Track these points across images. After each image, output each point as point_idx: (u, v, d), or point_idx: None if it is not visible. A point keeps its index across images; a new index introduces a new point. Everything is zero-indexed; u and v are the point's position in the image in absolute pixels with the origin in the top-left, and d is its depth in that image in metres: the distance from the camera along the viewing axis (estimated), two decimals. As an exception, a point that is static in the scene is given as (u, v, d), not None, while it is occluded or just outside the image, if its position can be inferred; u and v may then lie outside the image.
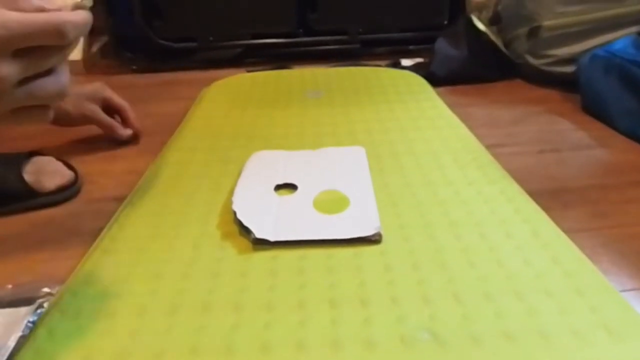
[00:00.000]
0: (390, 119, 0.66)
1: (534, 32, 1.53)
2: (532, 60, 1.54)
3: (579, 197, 0.53)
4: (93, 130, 0.68)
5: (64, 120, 0.64)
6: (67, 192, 0.53)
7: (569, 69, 1.41)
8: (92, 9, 0.33)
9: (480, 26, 1.66)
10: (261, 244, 0.40)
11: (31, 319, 0.35)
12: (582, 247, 0.40)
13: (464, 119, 0.67)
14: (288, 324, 0.32)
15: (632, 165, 0.63)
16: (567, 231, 0.42)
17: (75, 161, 0.58)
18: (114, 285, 0.36)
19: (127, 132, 0.67)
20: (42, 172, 0.53)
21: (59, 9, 0.30)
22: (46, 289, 0.44)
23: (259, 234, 0.41)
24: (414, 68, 1.21)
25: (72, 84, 0.34)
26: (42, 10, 0.29)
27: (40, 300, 0.43)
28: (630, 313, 0.33)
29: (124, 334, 0.32)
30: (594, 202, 0.52)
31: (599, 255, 0.43)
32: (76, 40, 0.30)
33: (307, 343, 0.31)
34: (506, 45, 1.64)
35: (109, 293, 0.35)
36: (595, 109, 1.19)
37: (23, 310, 0.41)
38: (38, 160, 0.55)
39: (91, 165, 0.61)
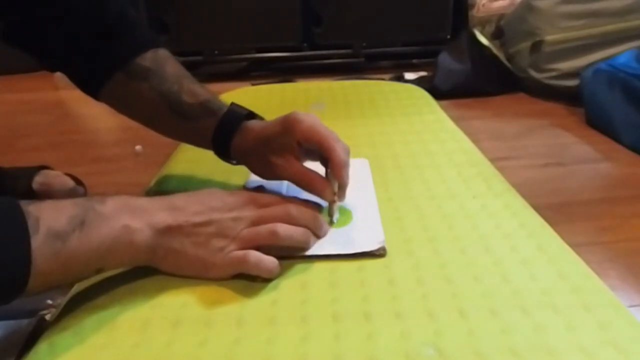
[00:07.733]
0: (394, 132, 0.66)
1: (536, 47, 1.54)
2: (535, 74, 1.54)
3: (584, 211, 0.53)
4: (98, 142, 0.68)
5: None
6: None
7: (572, 82, 1.42)
8: None
9: (483, 40, 1.67)
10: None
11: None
12: (588, 262, 0.39)
13: (468, 132, 0.67)
14: (290, 339, 0.32)
15: (638, 179, 0.62)
16: (573, 245, 0.42)
17: (80, 173, 0.59)
18: (115, 298, 0.36)
19: (329, 191, 0.42)
20: (50, 184, 0.55)
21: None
22: (49, 301, 0.44)
23: None
24: (417, 81, 1.22)
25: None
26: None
27: (42, 313, 0.43)
28: (639, 329, 0.32)
29: (126, 347, 0.32)
30: (600, 216, 0.52)
31: (606, 270, 0.42)
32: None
33: (309, 358, 0.30)
34: (509, 59, 1.65)
35: (111, 306, 0.35)
36: (599, 123, 1.18)
37: (25, 322, 0.41)
38: (46, 174, 0.57)
39: (96, 177, 0.61)
